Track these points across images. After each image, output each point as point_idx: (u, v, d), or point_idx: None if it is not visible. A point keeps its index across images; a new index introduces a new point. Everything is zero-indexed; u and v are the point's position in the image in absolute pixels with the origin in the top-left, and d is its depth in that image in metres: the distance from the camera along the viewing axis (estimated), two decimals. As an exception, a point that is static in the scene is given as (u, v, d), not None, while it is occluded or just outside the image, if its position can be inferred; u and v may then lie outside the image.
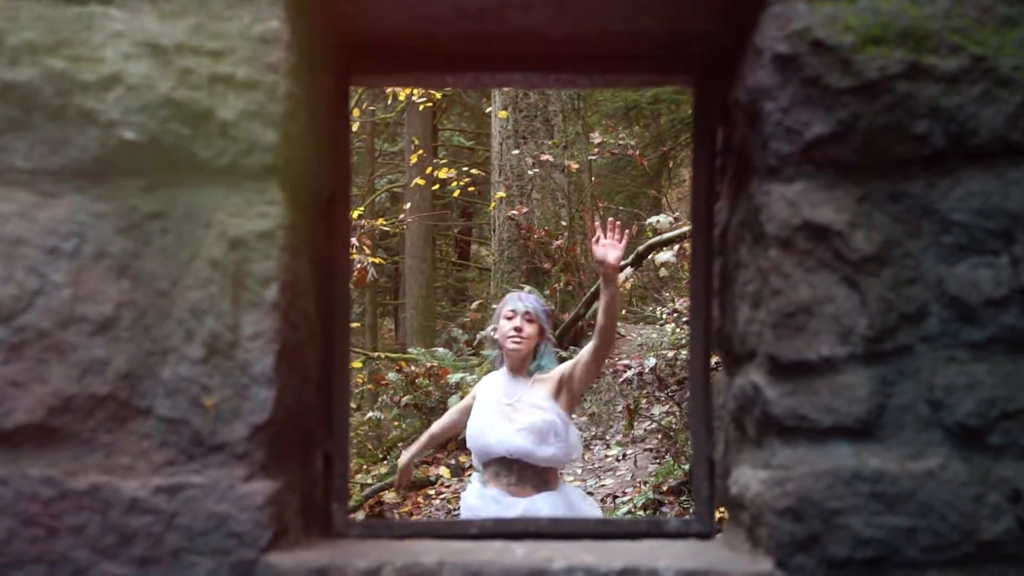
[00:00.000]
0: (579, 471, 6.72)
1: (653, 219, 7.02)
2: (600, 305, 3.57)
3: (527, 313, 3.57)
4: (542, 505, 3.39)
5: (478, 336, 8.34)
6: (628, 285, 7.38)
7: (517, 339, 3.56)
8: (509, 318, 3.60)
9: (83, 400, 1.21)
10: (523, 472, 3.47)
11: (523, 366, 3.62)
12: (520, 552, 1.24)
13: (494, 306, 4.01)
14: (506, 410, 3.54)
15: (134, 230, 1.23)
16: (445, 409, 7.85)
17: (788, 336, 1.21)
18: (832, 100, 1.20)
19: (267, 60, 1.22)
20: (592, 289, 7.94)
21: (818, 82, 1.19)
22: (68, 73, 1.21)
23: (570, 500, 3.52)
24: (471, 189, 10.90)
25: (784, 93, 1.20)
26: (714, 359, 1.54)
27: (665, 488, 5.87)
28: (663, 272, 7.35)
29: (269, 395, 1.21)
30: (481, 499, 3.50)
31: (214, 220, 1.22)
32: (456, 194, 11.86)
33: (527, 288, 3.69)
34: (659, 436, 6.63)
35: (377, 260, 8.61)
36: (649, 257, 6.98)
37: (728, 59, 1.34)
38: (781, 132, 1.20)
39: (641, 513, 5.61)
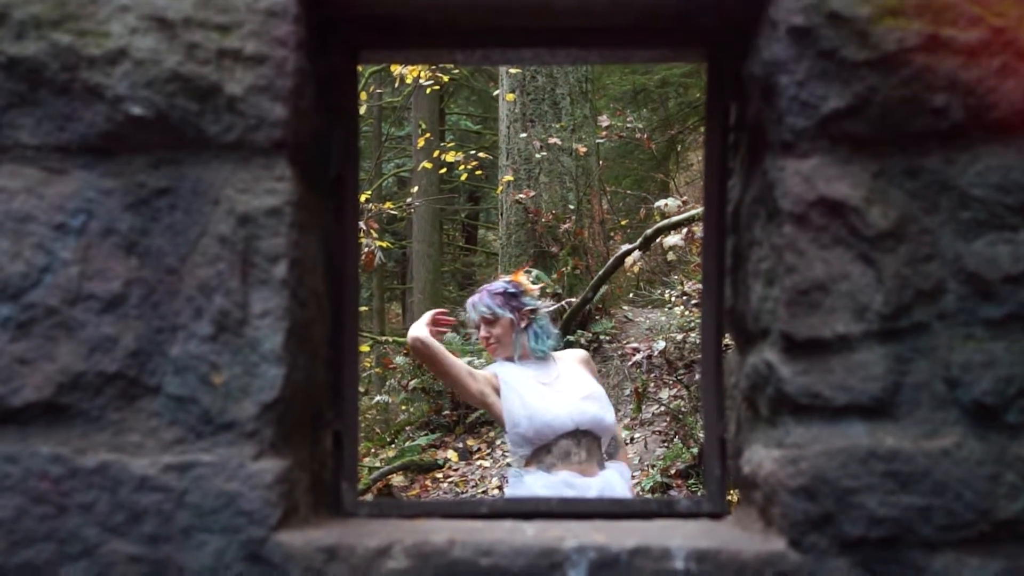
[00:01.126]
0: (587, 454, 6.72)
1: (661, 202, 6.98)
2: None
3: (483, 318, 3.47)
4: (613, 480, 3.26)
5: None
6: (636, 269, 7.35)
7: (492, 346, 3.51)
8: (477, 327, 3.54)
9: (92, 378, 1.21)
10: (591, 447, 3.29)
11: (522, 351, 3.46)
12: (531, 531, 1.24)
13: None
14: (547, 390, 3.35)
15: (142, 206, 1.22)
16: (452, 394, 7.88)
17: (802, 314, 1.20)
18: (849, 73, 1.18)
19: (275, 34, 1.20)
20: (600, 273, 7.93)
21: (834, 55, 1.18)
22: (74, 48, 1.20)
23: (624, 475, 3.39)
24: (478, 173, 10.87)
25: (800, 66, 1.18)
26: (725, 339, 1.52)
27: (673, 471, 5.89)
28: (671, 256, 7.32)
29: (278, 373, 1.20)
30: (550, 488, 3.15)
31: (222, 196, 1.21)
32: (463, 178, 11.84)
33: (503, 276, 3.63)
34: (667, 419, 6.64)
35: (384, 244, 8.60)
36: (657, 240, 6.94)
37: (743, 32, 1.32)
38: (796, 106, 1.19)
39: (649, 496, 5.62)
